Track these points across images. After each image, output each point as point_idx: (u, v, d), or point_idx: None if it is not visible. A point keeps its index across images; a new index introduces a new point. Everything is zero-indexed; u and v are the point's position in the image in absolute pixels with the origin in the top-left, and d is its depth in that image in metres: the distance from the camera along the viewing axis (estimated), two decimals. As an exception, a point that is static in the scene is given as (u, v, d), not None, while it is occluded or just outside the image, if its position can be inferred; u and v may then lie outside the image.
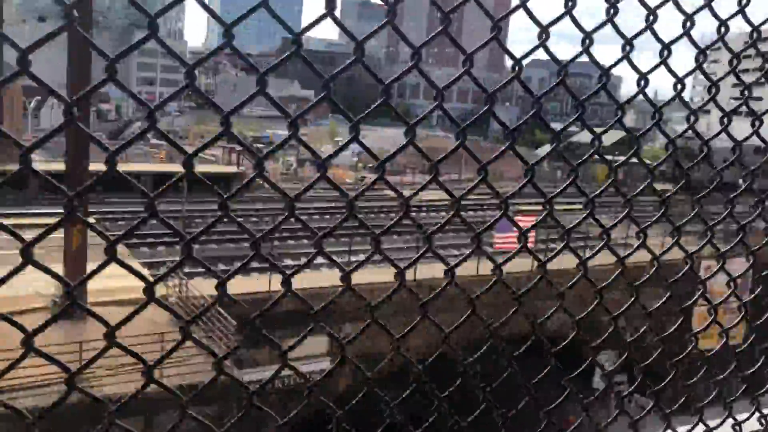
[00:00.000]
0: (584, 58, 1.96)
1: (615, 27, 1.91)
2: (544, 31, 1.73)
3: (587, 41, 1.83)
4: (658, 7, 2.07)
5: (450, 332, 1.74)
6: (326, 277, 25.84)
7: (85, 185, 1.29)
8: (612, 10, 1.89)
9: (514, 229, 2.03)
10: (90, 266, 19.35)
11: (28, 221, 27.45)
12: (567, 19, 1.80)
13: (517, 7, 1.74)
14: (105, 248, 1.27)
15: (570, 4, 1.81)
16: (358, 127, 1.56)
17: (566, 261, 2.13)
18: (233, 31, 1.42)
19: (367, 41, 1.52)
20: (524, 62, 1.85)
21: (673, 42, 2.13)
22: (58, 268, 21.17)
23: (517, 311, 1.87)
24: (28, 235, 1.31)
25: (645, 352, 2.70)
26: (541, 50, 1.87)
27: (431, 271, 24.13)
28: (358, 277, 1.80)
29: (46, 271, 1.34)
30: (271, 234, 1.42)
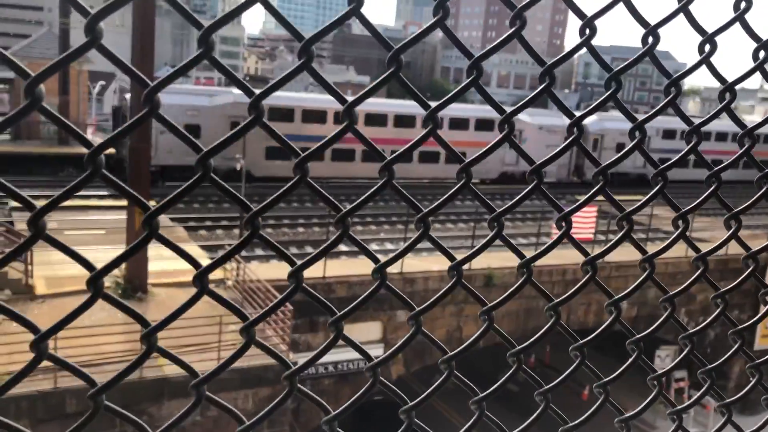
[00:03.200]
0: (630, 42, 1.79)
1: (691, 20, 1.70)
2: (587, 26, 1.54)
3: (650, 38, 1.62)
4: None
5: (493, 306, 1.63)
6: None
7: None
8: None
9: (574, 218, 1.94)
10: (150, 248, 19.86)
11: (94, 203, 28.31)
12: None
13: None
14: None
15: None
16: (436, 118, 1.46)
17: (626, 254, 2.05)
18: (291, 17, 1.39)
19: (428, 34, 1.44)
20: (584, 50, 1.68)
21: (717, 32, 1.73)
22: (120, 250, 21.78)
23: (585, 285, 1.75)
24: (94, 216, 1.32)
25: (706, 348, 2.58)
26: (599, 36, 1.71)
27: (486, 260, 24.03)
28: (412, 266, 1.74)
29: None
30: (268, 208, 1.35)
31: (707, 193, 1.78)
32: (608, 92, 1.64)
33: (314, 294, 1.42)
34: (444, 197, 1.48)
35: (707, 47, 1.71)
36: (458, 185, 1.47)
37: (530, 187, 1.56)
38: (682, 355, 1.90)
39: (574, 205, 1.68)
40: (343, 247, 28.94)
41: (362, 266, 24.00)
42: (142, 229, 1.18)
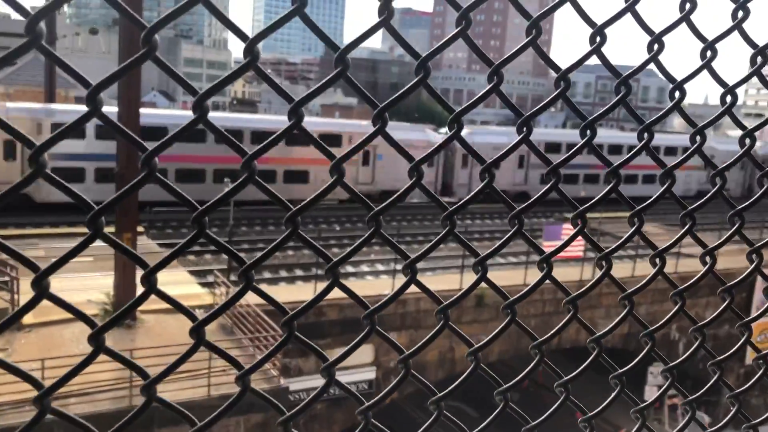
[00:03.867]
0: (629, 61, 1.82)
1: (692, 28, 1.71)
2: (598, 33, 1.59)
3: (655, 45, 1.66)
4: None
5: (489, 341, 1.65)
6: (371, 286, 25.96)
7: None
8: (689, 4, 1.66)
9: (563, 236, 1.95)
10: (139, 274, 19.68)
11: (81, 230, 28.14)
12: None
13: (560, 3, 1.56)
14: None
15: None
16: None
17: (619, 271, 2.04)
18: (278, 41, 1.37)
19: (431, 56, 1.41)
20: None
21: (717, 39, 1.76)
22: (109, 277, 21.50)
23: (573, 318, 1.75)
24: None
25: (697, 364, 2.57)
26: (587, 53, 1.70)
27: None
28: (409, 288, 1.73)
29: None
30: (266, 258, 1.33)
31: (631, 231, 1.79)
32: (618, 96, 1.67)
33: (310, 344, 1.42)
34: (430, 245, 1.52)
35: (708, 53, 1.73)
36: (443, 232, 1.48)
37: (512, 231, 1.58)
38: (662, 389, 1.90)
39: (555, 248, 1.71)
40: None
41: (354, 289, 23.89)
42: (141, 285, 1.18)
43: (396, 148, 1.41)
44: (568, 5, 1.56)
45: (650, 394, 28.53)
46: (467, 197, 1.58)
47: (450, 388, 1.55)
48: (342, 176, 1.25)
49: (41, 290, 1.09)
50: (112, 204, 1.12)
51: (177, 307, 1.22)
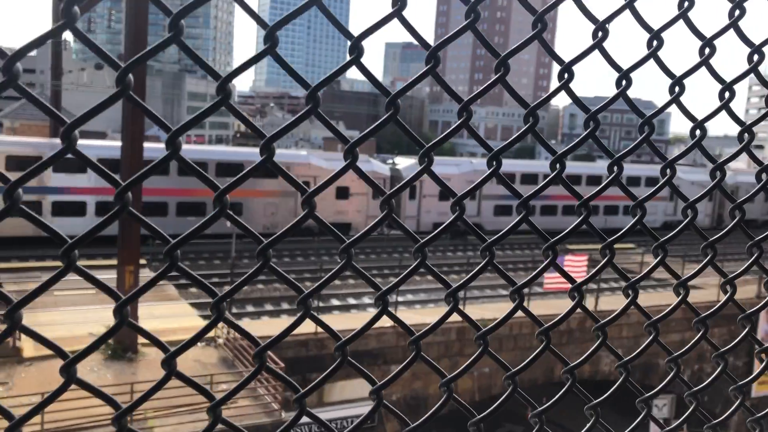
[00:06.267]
0: (634, 94, 1.85)
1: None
2: (601, 28, 1.61)
3: (623, 81, 1.70)
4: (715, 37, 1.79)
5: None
6: (350, 319, 25.76)
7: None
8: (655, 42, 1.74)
9: (565, 267, 1.95)
10: (141, 307, 19.67)
11: (83, 262, 28.09)
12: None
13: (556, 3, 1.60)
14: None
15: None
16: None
17: (621, 303, 2.03)
18: (281, 76, 1.39)
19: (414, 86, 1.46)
20: (569, 101, 1.72)
21: (735, 81, 1.89)
22: (109, 309, 21.53)
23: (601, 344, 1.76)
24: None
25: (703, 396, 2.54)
26: (574, 87, 1.72)
27: (480, 312, 23.86)
28: (406, 319, 1.73)
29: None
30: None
31: (656, 261, 1.79)
32: (587, 131, 1.69)
33: (284, 376, 1.41)
34: (402, 275, 1.53)
35: (677, 89, 1.78)
36: (414, 265, 1.49)
37: (546, 261, 1.57)
38: (687, 413, 1.90)
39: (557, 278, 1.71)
40: (335, 302, 28.73)
41: (355, 321, 23.82)
42: (114, 317, 1.18)
43: (367, 180, 1.43)
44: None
45: (654, 429, 28.11)
46: (439, 229, 1.56)
47: (490, 409, 1.59)
48: (313, 209, 1.26)
49: (13, 322, 1.10)
50: (84, 238, 1.12)
51: (149, 338, 1.22)
